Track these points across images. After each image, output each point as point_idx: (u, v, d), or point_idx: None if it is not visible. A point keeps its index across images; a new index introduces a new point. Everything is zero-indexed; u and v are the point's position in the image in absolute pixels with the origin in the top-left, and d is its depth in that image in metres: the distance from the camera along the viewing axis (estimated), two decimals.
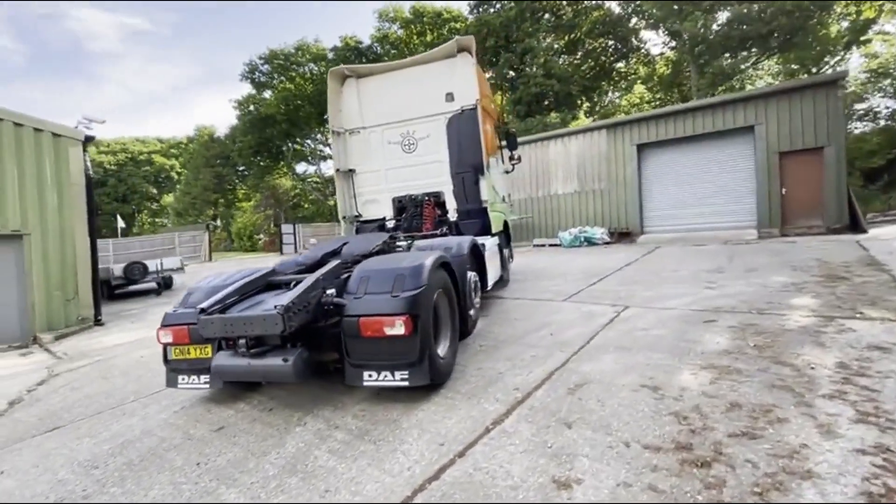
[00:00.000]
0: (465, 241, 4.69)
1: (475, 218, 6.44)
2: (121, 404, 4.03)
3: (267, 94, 37.26)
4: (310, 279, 3.30)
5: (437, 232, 6.20)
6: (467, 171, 6.37)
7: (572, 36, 27.65)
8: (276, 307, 2.91)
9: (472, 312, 4.83)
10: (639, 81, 30.74)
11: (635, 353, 3.75)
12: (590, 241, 13.24)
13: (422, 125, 6.75)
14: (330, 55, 35.14)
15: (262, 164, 41.07)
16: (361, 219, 7.21)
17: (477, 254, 5.16)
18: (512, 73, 26.44)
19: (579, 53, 28.46)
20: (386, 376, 3.13)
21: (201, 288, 3.88)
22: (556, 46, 28.12)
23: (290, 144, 40.21)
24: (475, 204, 6.40)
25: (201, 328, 3.13)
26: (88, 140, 8.27)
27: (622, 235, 13.65)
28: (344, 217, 7.12)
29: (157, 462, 2.86)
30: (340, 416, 3.20)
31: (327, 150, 37.85)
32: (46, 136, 7.71)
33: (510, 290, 7.00)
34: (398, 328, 3.00)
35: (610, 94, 32.43)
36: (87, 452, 3.11)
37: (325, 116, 5.67)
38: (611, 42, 29.39)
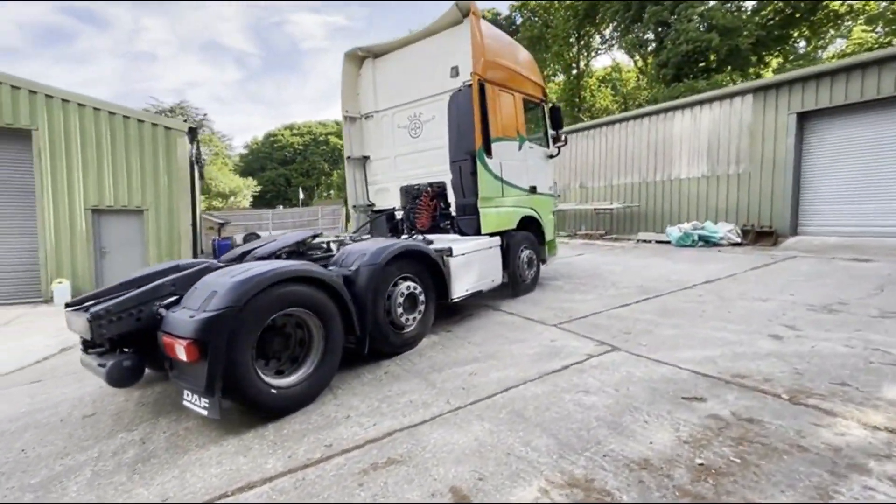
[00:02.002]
0: (389, 248, 4.00)
1: (471, 214, 5.53)
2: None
3: None
4: (153, 284, 3.20)
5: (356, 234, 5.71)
6: (464, 158, 5.45)
7: None
8: (88, 313, 2.88)
9: (407, 330, 4.20)
10: (859, 21, 22.49)
11: (522, 429, 2.67)
12: (707, 241, 10.44)
13: (427, 106, 6.04)
14: None
15: None
16: (374, 208, 6.93)
17: (424, 260, 4.40)
18: (664, 28, 22.12)
19: None
20: (196, 400, 2.85)
21: (133, 274, 4.15)
22: None
23: None
24: (472, 198, 5.48)
25: (66, 321, 3.32)
26: (192, 131, 9.81)
27: (761, 236, 10.37)
28: (354, 206, 6.94)
29: (8, 440, 3.17)
30: (164, 430, 3.08)
31: None
32: (160, 130, 9.41)
33: (520, 301, 5.90)
34: (181, 353, 2.68)
35: (809, 43, 24.55)
36: (3, 415, 3.65)
37: None
38: None
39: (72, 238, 8.83)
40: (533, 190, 6.42)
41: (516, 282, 6.01)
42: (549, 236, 6.85)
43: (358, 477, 2.34)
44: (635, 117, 13.50)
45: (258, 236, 13.66)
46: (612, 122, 14.33)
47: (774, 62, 25.41)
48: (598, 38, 31.78)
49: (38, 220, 8.55)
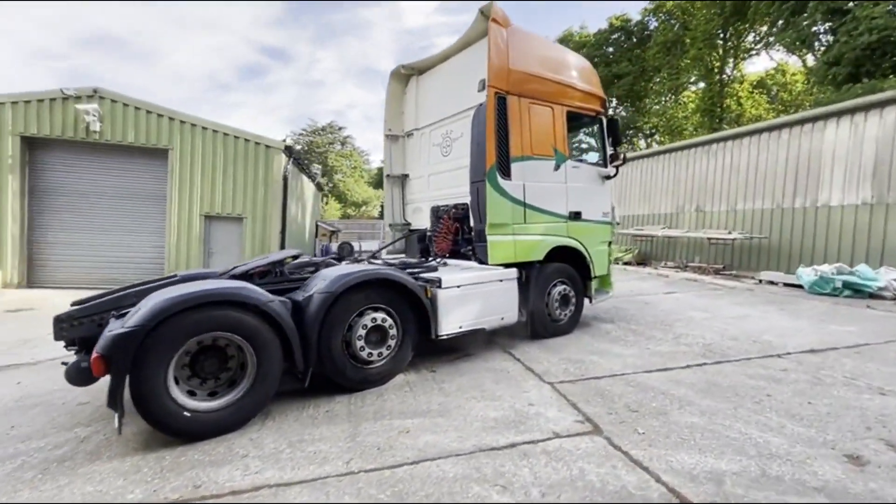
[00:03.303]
0: (350, 275, 3.73)
1: (486, 241, 4.97)
2: None
3: None
4: (117, 294, 3.46)
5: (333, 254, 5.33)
6: (481, 179, 4.93)
7: None
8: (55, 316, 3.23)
9: (374, 366, 3.92)
10: None
11: None
12: (857, 291, 7.85)
13: (457, 123, 5.68)
14: (592, 40, 33.07)
15: None
16: (411, 227, 6.76)
17: (401, 290, 4.03)
18: (836, 17, 17.83)
19: None
20: (118, 416, 2.97)
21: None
22: None
23: None
24: (486, 223, 4.93)
25: None
26: (288, 149, 10.94)
27: None
28: (391, 225, 6.86)
29: (15, 413, 3.71)
30: (107, 433, 3.27)
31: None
32: (261, 148, 10.71)
33: (538, 345, 5.09)
34: (93, 366, 2.79)
35: None
36: (38, 388, 4.33)
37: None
38: None
39: (188, 238, 10.58)
40: (575, 216, 5.53)
41: (542, 321, 5.22)
42: (598, 270, 5.83)
43: None
44: (769, 129, 11.00)
45: (352, 246, 14.62)
46: (740, 136, 11.92)
47: None
48: (750, 37, 27.21)
49: (167, 222, 10.47)
